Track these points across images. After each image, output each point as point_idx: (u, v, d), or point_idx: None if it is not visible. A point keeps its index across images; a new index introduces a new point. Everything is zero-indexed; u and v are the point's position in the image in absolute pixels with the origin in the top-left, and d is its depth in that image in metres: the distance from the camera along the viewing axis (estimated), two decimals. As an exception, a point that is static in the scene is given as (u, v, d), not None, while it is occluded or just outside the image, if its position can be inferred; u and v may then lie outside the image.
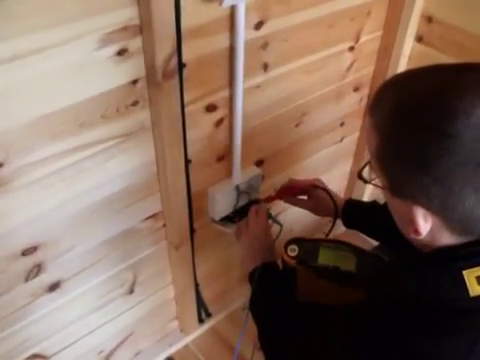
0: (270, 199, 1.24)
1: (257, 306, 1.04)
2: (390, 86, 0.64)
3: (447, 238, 0.63)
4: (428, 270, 0.63)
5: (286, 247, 0.99)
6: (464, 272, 0.60)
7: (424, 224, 0.62)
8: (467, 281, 0.59)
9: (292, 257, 0.99)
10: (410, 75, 0.64)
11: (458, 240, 0.62)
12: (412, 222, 0.63)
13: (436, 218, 0.61)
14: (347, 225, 1.17)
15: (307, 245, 0.99)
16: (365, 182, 0.70)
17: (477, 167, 0.55)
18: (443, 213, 0.60)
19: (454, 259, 0.61)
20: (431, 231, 0.63)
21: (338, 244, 0.99)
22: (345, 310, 0.73)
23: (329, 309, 0.80)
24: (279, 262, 1.04)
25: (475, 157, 0.55)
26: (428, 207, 0.60)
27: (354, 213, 1.16)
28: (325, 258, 0.97)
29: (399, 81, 0.64)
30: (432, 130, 0.57)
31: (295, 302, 0.98)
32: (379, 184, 0.67)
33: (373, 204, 1.16)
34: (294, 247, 0.99)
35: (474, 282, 0.59)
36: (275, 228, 1.16)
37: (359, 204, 1.19)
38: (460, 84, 0.58)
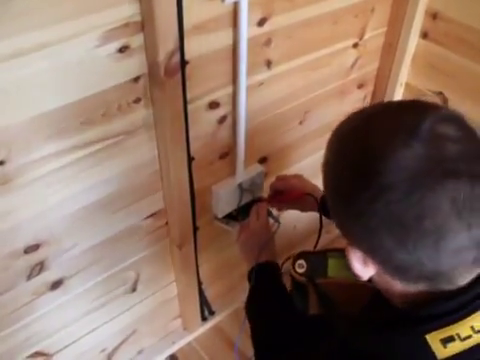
0: (269, 202, 1.24)
1: (251, 307, 1.04)
2: (332, 135, 0.65)
3: (396, 284, 0.62)
4: (394, 333, 0.61)
5: (294, 263, 0.97)
6: (427, 336, 0.58)
7: (361, 267, 0.62)
8: (432, 345, 0.58)
9: (301, 274, 0.97)
10: (347, 118, 0.65)
11: (409, 288, 0.61)
12: (350, 265, 0.63)
13: (374, 262, 0.60)
14: (327, 215, 1.16)
15: (314, 258, 0.97)
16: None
17: (388, 204, 0.53)
18: (373, 255, 0.59)
19: (416, 322, 0.59)
20: (378, 276, 0.62)
21: (344, 252, 0.98)
22: (324, 353, 0.73)
23: (314, 340, 0.80)
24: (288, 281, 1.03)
25: (385, 193, 0.53)
26: (362, 249, 0.60)
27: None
28: (335, 269, 0.95)
29: (339, 125, 0.65)
30: (350, 167, 0.57)
31: (289, 308, 0.97)
32: None
33: None
34: (302, 263, 0.97)
35: (439, 345, 0.57)
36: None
37: None
38: (378, 125, 0.58)
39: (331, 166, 0.62)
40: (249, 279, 1.06)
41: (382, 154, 0.54)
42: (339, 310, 0.88)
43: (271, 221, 1.18)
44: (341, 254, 0.97)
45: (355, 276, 0.64)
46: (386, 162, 0.53)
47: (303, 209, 1.22)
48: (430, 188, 0.51)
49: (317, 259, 0.97)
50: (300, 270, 0.96)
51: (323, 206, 1.14)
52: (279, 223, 1.14)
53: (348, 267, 0.96)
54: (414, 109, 0.59)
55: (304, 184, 1.22)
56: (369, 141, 0.57)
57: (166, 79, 0.92)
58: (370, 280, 0.67)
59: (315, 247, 1.10)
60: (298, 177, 1.24)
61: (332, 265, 0.96)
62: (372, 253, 0.59)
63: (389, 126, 0.57)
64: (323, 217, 1.13)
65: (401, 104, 0.61)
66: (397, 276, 0.60)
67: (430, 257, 0.54)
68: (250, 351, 1.08)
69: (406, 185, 0.52)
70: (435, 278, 0.58)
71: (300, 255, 0.98)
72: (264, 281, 1.03)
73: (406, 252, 0.54)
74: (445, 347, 0.57)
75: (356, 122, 0.62)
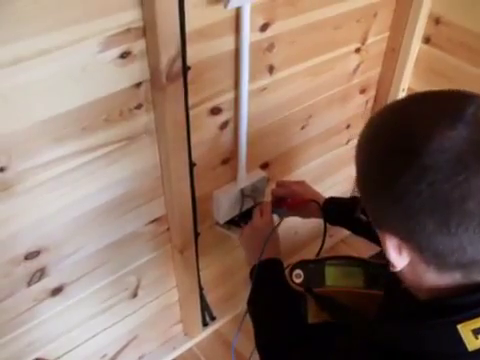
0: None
1: (254, 304, 1.03)
2: (368, 121, 0.65)
3: (429, 275, 0.60)
4: (423, 324, 0.61)
5: (291, 273, 0.96)
6: (458, 326, 0.57)
7: (397, 255, 0.60)
8: (463, 336, 0.57)
9: (298, 284, 0.95)
10: (384, 108, 0.65)
11: (442, 279, 0.60)
12: (387, 253, 0.61)
13: (410, 249, 0.59)
14: (329, 222, 1.16)
15: (312, 267, 0.96)
16: (364, 219, 0.68)
17: (431, 185, 0.52)
18: (411, 240, 0.58)
19: (447, 312, 0.59)
20: (411, 267, 0.61)
21: (343, 260, 0.96)
22: (342, 350, 0.72)
23: (327, 338, 0.79)
24: None
25: (429, 174, 0.53)
26: (398, 235, 0.59)
27: (333, 209, 1.15)
28: (332, 278, 0.94)
29: (375, 115, 0.65)
30: (391, 150, 0.57)
31: (293, 306, 0.97)
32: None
33: (352, 199, 1.16)
34: (299, 272, 0.95)
35: (471, 336, 0.57)
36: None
37: (338, 200, 1.18)
38: (421, 110, 0.58)
39: (368, 152, 0.62)
40: (251, 276, 1.05)
41: (426, 135, 0.54)
42: (353, 311, 0.87)
43: (276, 219, 1.17)
44: (340, 262, 0.97)
45: (390, 265, 0.63)
46: (430, 142, 0.53)
47: (305, 215, 1.21)
48: (475, 170, 0.51)
49: (315, 268, 0.96)
50: (297, 280, 0.95)
51: (326, 212, 1.13)
52: (282, 218, 1.13)
53: (347, 275, 0.96)
54: (456, 96, 0.59)
55: (306, 190, 1.21)
56: (412, 123, 0.56)
57: (168, 85, 0.91)
58: (394, 276, 0.66)
59: (319, 253, 1.09)
60: (300, 183, 1.23)
61: (330, 274, 0.95)
62: (410, 238, 0.58)
63: (432, 110, 0.57)
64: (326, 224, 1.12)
65: (442, 92, 0.61)
66: (434, 263, 0.59)
67: (472, 241, 0.53)
68: (248, 352, 1.06)
69: (451, 166, 0.52)
70: (471, 266, 0.57)
71: (297, 264, 0.97)
72: (267, 278, 1.03)
73: (448, 235, 0.54)
74: (477, 338, 0.57)
75: (396, 109, 0.62)
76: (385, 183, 0.57)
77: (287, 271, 0.97)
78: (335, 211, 1.14)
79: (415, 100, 0.62)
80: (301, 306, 0.97)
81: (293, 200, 1.17)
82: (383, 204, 0.59)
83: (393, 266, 0.62)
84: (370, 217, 0.64)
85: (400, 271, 0.63)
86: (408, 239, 0.58)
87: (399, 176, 0.55)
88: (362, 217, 0.68)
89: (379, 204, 0.60)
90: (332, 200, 1.17)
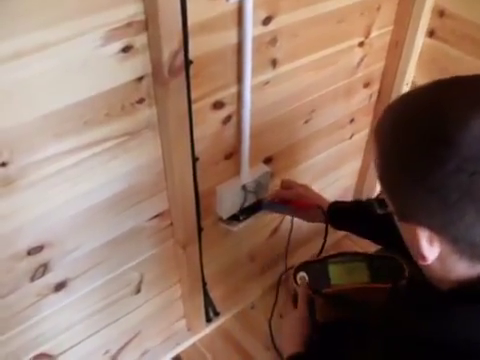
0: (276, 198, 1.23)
1: None
2: (389, 108, 0.63)
3: (459, 266, 0.59)
4: (451, 311, 0.60)
5: (295, 276, 0.95)
6: None
7: (429, 247, 0.59)
8: None
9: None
10: (408, 94, 0.64)
11: (473, 269, 0.59)
12: (417, 246, 0.60)
13: (443, 241, 0.58)
14: (334, 226, 1.15)
15: (315, 268, 0.95)
16: (379, 211, 0.67)
17: (472, 175, 0.52)
18: (446, 231, 0.57)
19: (477, 299, 0.58)
20: (441, 258, 0.60)
21: (345, 256, 0.96)
22: (361, 346, 0.71)
23: (340, 337, 0.78)
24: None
25: (469, 164, 0.52)
26: (431, 227, 0.57)
27: (338, 215, 1.14)
28: (337, 276, 0.93)
29: (397, 102, 0.63)
30: (424, 139, 0.55)
31: None
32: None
33: (356, 203, 1.16)
34: (303, 275, 0.94)
35: None
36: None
37: (342, 205, 1.17)
38: (453, 95, 0.56)
39: (394, 141, 0.60)
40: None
41: (460, 123, 0.52)
42: (367, 305, 0.86)
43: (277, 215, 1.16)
44: (343, 259, 0.96)
45: (420, 260, 0.61)
46: (467, 131, 0.52)
47: (309, 220, 1.20)
48: None
49: (318, 268, 0.95)
50: (302, 283, 0.95)
51: (330, 217, 1.12)
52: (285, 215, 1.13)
53: (351, 271, 0.94)
54: (460, 79, 0.58)
55: (310, 194, 1.20)
56: (443, 111, 0.55)
57: (170, 79, 0.91)
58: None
59: (319, 254, 1.08)
60: (304, 187, 1.23)
61: (334, 271, 0.94)
62: (445, 230, 0.57)
63: (462, 97, 0.55)
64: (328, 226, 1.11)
65: (467, 77, 0.59)
66: (468, 254, 0.58)
67: None
68: (253, 348, 1.04)
69: None
70: None
71: (300, 267, 0.96)
72: None
73: None
74: None
75: (422, 96, 0.60)
76: (418, 175, 0.56)
77: (291, 274, 0.96)
78: (339, 215, 1.13)
79: (441, 87, 0.60)
80: (309, 310, 0.94)
81: (297, 203, 1.17)
82: (415, 196, 0.57)
83: (424, 259, 0.61)
84: (395, 210, 0.63)
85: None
86: (442, 230, 0.57)
87: (436, 168, 0.53)
88: (378, 209, 0.66)
89: (409, 196, 0.58)
90: (336, 204, 1.16)
